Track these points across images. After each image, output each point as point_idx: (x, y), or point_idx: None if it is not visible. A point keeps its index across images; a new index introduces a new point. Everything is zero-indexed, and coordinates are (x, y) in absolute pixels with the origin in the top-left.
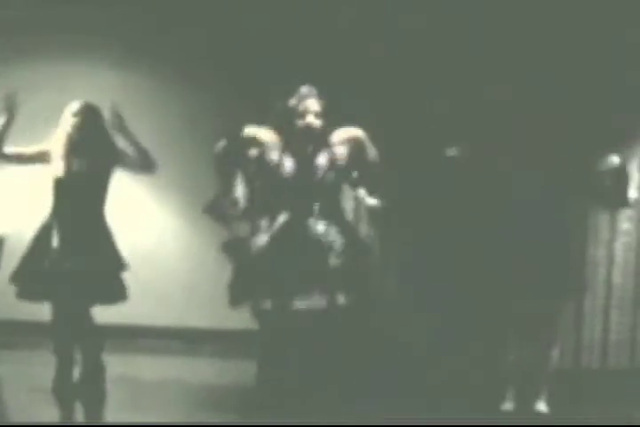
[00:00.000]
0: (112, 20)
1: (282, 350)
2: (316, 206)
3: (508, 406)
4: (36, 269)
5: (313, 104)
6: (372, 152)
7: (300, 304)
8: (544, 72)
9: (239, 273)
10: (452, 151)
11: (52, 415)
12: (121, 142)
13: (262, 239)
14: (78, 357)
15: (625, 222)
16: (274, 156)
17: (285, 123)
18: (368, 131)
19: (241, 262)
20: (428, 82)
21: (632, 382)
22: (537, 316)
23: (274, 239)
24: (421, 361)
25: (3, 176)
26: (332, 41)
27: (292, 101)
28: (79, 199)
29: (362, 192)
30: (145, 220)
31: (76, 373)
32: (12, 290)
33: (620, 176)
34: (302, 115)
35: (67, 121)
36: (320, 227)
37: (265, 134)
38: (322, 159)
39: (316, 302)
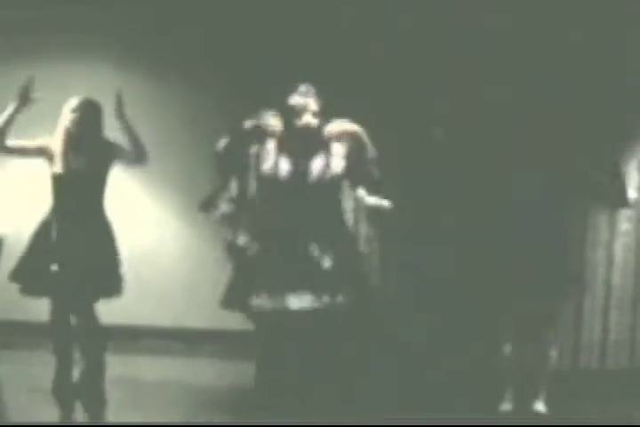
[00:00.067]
0: (112, 20)
1: (280, 351)
2: (314, 206)
3: (507, 406)
4: (36, 265)
5: (311, 103)
6: (370, 149)
7: (297, 304)
8: (544, 72)
9: (236, 274)
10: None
11: (52, 415)
12: (116, 132)
13: (258, 239)
14: (78, 357)
15: (624, 223)
16: (271, 155)
17: (283, 121)
18: (368, 130)
19: (237, 263)
20: (428, 82)
21: (631, 382)
22: (536, 316)
23: (270, 239)
24: (421, 361)
25: (2, 176)
26: (332, 41)
27: (290, 100)
28: (79, 195)
29: (361, 192)
30: (145, 220)
31: (76, 373)
32: (12, 290)
33: (620, 176)
34: (300, 114)
35: (65, 117)
36: (317, 227)
37: (264, 129)
38: (319, 158)
39: (314, 302)
